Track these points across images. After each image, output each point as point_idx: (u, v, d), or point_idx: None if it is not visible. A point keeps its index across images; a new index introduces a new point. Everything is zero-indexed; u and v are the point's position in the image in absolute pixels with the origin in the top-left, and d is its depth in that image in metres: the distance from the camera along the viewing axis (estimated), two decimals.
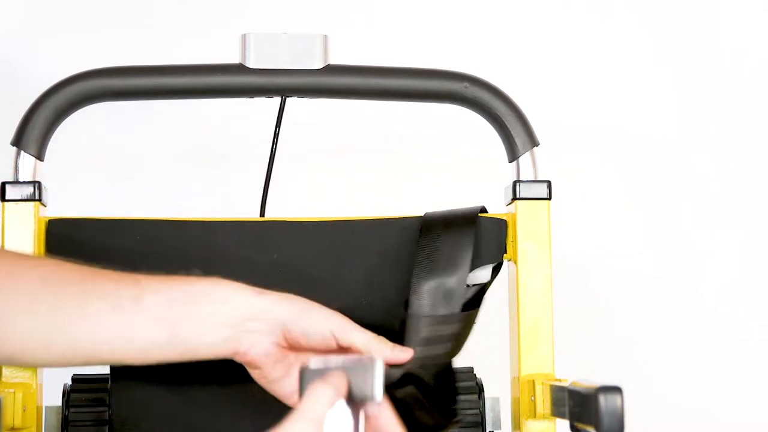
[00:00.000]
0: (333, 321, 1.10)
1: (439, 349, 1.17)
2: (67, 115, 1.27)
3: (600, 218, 1.89)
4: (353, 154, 1.85)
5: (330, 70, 1.30)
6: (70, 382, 1.26)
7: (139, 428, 1.23)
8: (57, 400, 1.25)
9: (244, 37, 1.29)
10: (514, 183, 1.29)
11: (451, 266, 1.22)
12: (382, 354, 1.09)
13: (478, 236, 1.26)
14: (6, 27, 1.82)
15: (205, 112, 1.79)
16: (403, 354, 1.12)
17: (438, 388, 1.14)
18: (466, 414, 1.29)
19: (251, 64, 1.29)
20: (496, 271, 1.27)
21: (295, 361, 1.12)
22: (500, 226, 1.29)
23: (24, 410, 1.17)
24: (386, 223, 1.28)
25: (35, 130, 1.25)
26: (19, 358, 1.12)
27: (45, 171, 1.26)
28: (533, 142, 1.30)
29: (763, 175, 1.92)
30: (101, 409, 1.24)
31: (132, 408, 1.22)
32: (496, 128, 1.31)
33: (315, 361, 0.96)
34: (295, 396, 1.09)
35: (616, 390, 1.00)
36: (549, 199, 1.29)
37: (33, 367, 1.20)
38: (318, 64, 1.29)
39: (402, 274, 1.25)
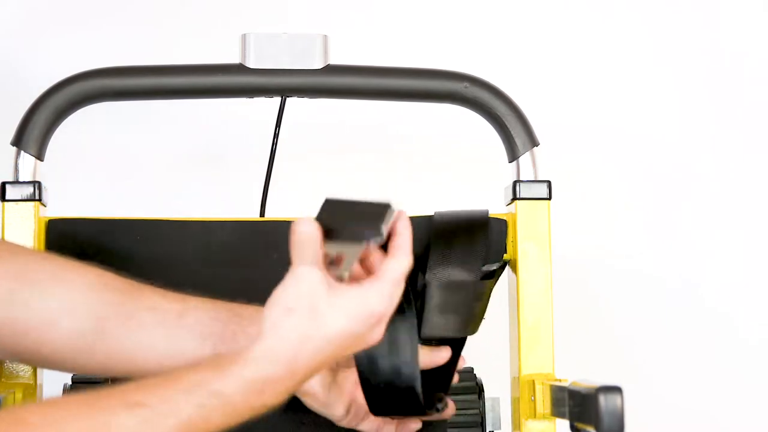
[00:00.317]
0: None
1: (451, 321, 1.16)
2: (67, 115, 1.27)
3: (600, 218, 1.89)
4: (353, 154, 1.85)
5: (330, 70, 1.30)
6: (69, 383, 1.26)
7: None
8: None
9: (244, 37, 1.29)
10: (514, 183, 1.29)
11: (464, 265, 1.22)
12: None
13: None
14: (6, 27, 1.82)
15: (204, 112, 1.79)
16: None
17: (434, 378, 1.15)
18: (466, 414, 1.29)
19: (251, 64, 1.29)
20: (500, 270, 1.27)
21: (345, 378, 1.13)
22: (500, 226, 1.29)
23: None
24: None
25: (35, 130, 1.25)
26: (60, 363, 1.10)
27: (45, 171, 1.26)
28: (533, 142, 1.30)
29: (763, 175, 1.92)
30: None
31: None
32: (496, 128, 1.31)
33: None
34: (348, 418, 1.13)
35: (616, 390, 1.00)
36: (549, 199, 1.29)
37: (73, 372, 1.19)
38: (318, 64, 1.29)
39: None
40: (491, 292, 1.23)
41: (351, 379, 1.15)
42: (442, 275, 1.21)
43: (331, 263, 1.02)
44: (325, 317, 0.97)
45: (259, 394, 0.96)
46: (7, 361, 1.20)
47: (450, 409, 1.19)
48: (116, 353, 1.07)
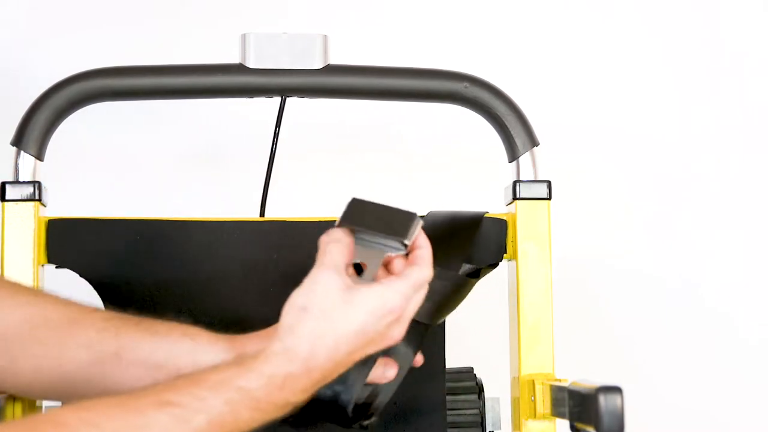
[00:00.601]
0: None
1: (423, 307, 1.14)
2: (67, 115, 1.27)
3: (600, 218, 1.89)
4: (353, 154, 1.85)
5: (330, 70, 1.30)
6: None
7: None
8: (57, 401, 1.25)
9: (244, 37, 1.29)
10: (514, 183, 1.29)
11: (447, 258, 1.22)
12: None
13: (478, 236, 1.26)
14: (6, 27, 1.82)
15: (205, 112, 1.79)
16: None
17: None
18: (466, 414, 1.29)
19: (251, 64, 1.29)
20: (487, 270, 1.27)
21: None
22: (500, 226, 1.29)
23: (24, 412, 1.17)
24: None
25: (35, 130, 1.25)
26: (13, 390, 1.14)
27: (45, 171, 1.26)
28: (533, 142, 1.30)
29: (763, 175, 1.92)
30: None
31: None
32: (496, 128, 1.31)
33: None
34: None
35: (616, 390, 1.00)
36: (549, 199, 1.29)
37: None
38: (318, 64, 1.29)
39: None
40: (470, 290, 1.22)
41: None
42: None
43: (355, 268, 1.05)
44: (339, 317, 1.01)
45: (280, 389, 0.99)
46: None
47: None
48: (49, 385, 1.10)
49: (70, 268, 1.25)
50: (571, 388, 1.09)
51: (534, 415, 1.22)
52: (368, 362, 1.08)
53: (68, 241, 1.25)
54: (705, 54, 1.92)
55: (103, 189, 1.82)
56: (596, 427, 1.00)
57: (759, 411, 1.89)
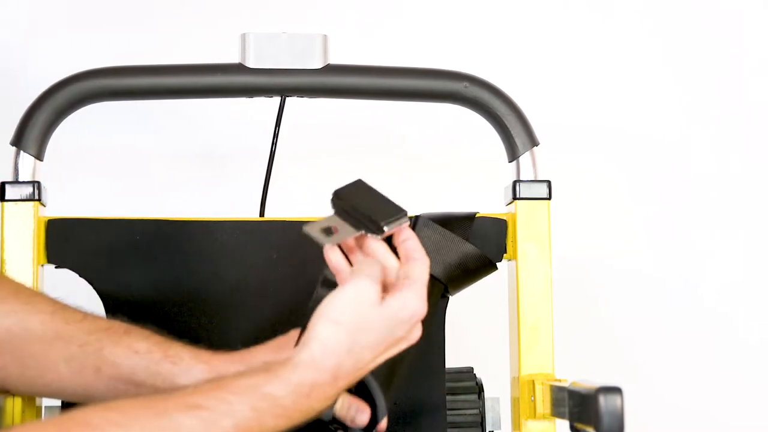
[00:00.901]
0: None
1: (439, 266, 1.17)
2: (67, 115, 1.27)
3: (600, 218, 1.89)
4: (353, 154, 1.85)
5: (330, 69, 1.30)
6: None
7: None
8: (57, 401, 1.25)
9: (243, 36, 1.29)
10: (514, 183, 1.29)
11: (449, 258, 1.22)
12: None
13: (477, 236, 1.26)
14: (6, 27, 1.82)
15: (205, 112, 1.79)
16: None
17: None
18: (466, 414, 1.29)
19: (251, 63, 1.29)
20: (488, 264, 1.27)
21: None
22: (500, 226, 1.29)
23: (23, 411, 1.17)
24: None
25: (35, 130, 1.25)
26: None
27: (45, 171, 1.26)
28: (533, 142, 1.30)
29: (763, 175, 1.92)
30: None
31: None
32: (496, 128, 1.31)
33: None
34: None
35: (616, 390, 1.00)
36: (549, 199, 1.29)
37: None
38: (318, 64, 1.29)
39: None
40: (476, 263, 1.23)
41: None
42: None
43: (327, 231, 1.08)
44: (368, 329, 1.03)
45: (306, 397, 1.00)
46: None
47: None
48: (35, 391, 1.14)
49: (70, 268, 1.25)
50: (571, 388, 1.09)
51: (534, 415, 1.22)
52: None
53: (68, 241, 1.25)
54: (705, 54, 1.92)
55: (103, 189, 1.82)
56: (596, 428, 1.00)
57: (759, 411, 1.89)
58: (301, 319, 1.07)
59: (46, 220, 1.25)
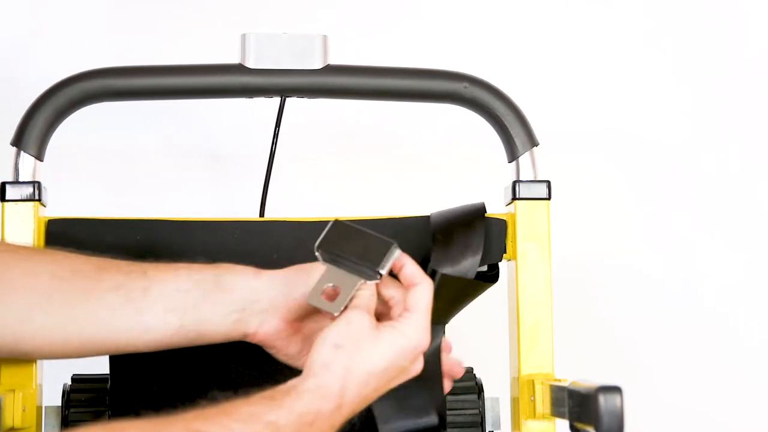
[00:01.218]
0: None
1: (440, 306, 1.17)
2: (67, 115, 1.27)
3: (600, 218, 1.89)
4: (353, 154, 1.85)
5: (330, 70, 1.30)
6: (69, 382, 1.26)
7: None
8: (57, 400, 1.25)
9: (243, 37, 1.29)
10: (514, 183, 1.29)
11: (464, 258, 1.22)
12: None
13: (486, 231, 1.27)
14: (6, 27, 1.82)
15: (205, 112, 1.79)
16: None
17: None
18: (466, 414, 1.29)
19: (251, 64, 1.29)
20: (495, 272, 1.27)
21: (312, 330, 1.14)
22: (500, 226, 1.29)
23: (24, 410, 1.17)
24: (386, 222, 1.28)
25: (35, 130, 1.25)
26: (38, 353, 1.15)
27: (45, 171, 1.26)
28: (533, 142, 1.30)
29: (764, 175, 1.92)
30: (101, 409, 1.24)
31: (132, 408, 1.22)
32: (495, 128, 1.31)
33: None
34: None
35: (616, 390, 1.00)
36: (549, 199, 1.29)
37: (51, 359, 1.20)
38: (318, 64, 1.29)
39: None
40: (480, 294, 1.23)
41: (316, 330, 1.15)
42: (445, 267, 1.21)
43: (329, 294, 1.08)
44: (370, 354, 1.04)
45: (310, 426, 1.01)
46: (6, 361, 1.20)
47: None
48: (88, 338, 1.11)
49: None
50: (571, 388, 1.09)
51: (534, 415, 1.22)
52: None
53: (68, 241, 1.25)
54: (705, 54, 1.91)
55: (103, 189, 1.82)
56: (596, 427, 1.00)
57: (759, 411, 1.89)
58: None
59: (47, 220, 1.25)
